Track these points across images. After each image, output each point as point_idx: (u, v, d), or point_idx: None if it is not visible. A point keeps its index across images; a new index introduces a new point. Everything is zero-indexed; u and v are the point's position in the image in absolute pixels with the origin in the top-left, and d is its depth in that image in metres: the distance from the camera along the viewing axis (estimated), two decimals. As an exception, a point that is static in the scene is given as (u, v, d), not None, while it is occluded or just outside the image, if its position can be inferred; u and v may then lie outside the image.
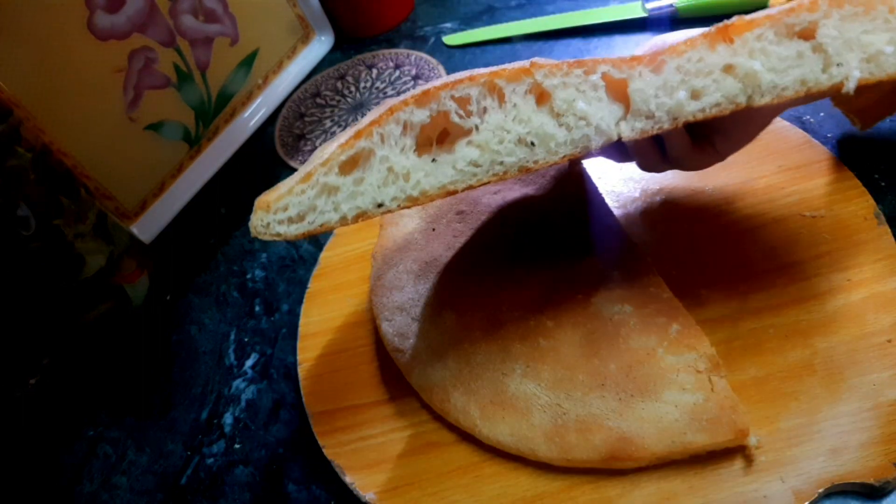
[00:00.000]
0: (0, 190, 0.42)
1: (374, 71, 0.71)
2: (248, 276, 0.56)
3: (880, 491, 0.32)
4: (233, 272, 0.56)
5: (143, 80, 0.58)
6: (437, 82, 0.29)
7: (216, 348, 0.51)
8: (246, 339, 0.51)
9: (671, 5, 0.61)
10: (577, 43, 0.65)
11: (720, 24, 0.29)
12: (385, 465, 0.39)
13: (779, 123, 0.47)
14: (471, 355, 0.38)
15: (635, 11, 0.63)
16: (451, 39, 0.71)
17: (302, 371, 0.45)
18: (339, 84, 0.71)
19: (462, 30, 0.72)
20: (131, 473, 0.45)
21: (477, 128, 0.29)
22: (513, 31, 0.68)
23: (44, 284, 0.47)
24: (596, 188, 0.44)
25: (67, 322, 0.50)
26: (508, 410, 0.36)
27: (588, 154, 0.32)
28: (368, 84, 0.70)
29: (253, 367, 0.49)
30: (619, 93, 0.30)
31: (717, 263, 0.41)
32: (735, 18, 0.29)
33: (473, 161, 0.28)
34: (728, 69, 0.29)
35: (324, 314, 0.48)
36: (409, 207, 0.29)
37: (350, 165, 0.28)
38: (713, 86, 0.29)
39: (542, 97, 0.29)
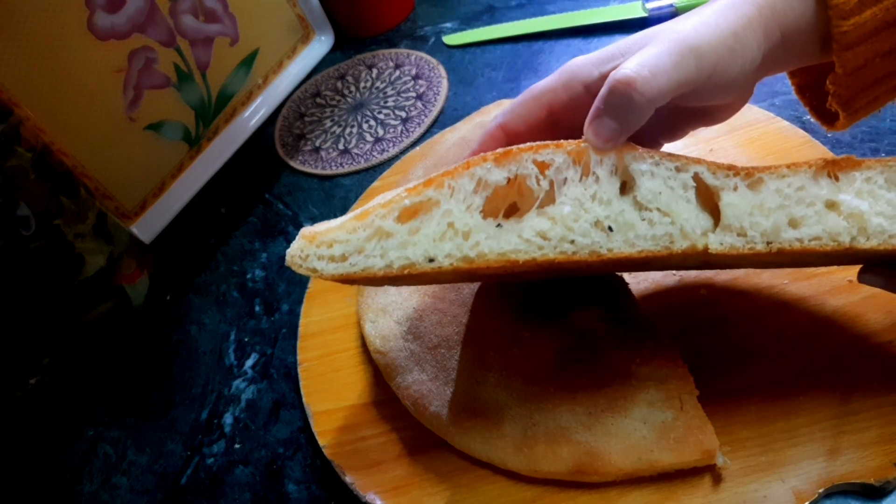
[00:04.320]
0: (0, 190, 0.42)
1: (375, 71, 0.71)
2: (249, 275, 0.56)
3: (880, 491, 0.32)
4: (233, 272, 0.56)
5: (143, 80, 0.58)
6: (522, 145, 0.28)
7: (216, 348, 0.51)
8: (246, 339, 0.51)
9: (671, 5, 0.61)
10: (577, 43, 0.65)
11: (826, 158, 0.28)
12: (385, 464, 0.39)
13: (779, 123, 0.47)
14: (447, 361, 0.39)
15: (635, 11, 0.63)
16: (451, 39, 0.71)
17: (302, 371, 0.45)
18: (339, 84, 0.71)
19: (462, 30, 0.72)
20: (131, 473, 0.45)
21: (553, 199, 0.27)
22: (513, 30, 0.68)
23: (44, 284, 0.47)
24: None
25: (67, 322, 0.50)
26: (480, 419, 0.36)
27: (672, 264, 0.29)
28: (368, 84, 0.70)
29: (253, 366, 0.49)
30: (708, 202, 0.28)
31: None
32: (843, 156, 0.28)
33: (542, 233, 0.26)
34: (831, 205, 0.27)
35: (324, 314, 0.48)
36: (461, 269, 0.27)
37: (410, 214, 0.26)
38: (814, 218, 0.27)
39: (626, 185, 0.28)
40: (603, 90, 0.27)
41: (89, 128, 0.54)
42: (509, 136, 0.34)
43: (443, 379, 0.38)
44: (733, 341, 0.38)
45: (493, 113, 0.54)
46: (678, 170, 0.27)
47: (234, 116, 0.67)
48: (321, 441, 0.41)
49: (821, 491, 0.32)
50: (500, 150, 0.27)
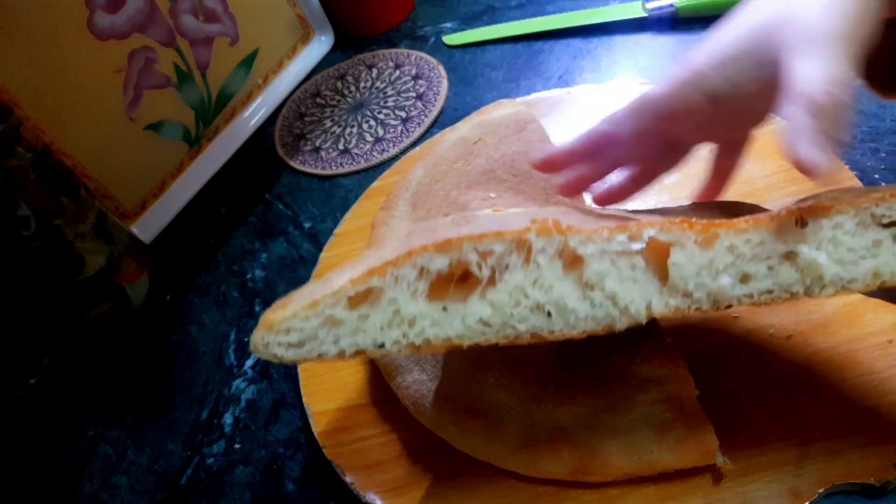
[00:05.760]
0: (0, 190, 0.42)
1: (374, 71, 0.71)
2: (248, 275, 0.56)
3: (880, 491, 0.32)
4: (233, 272, 0.56)
5: (143, 80, 0.58)
6: (463, 229, 0.28)
7: (216, 348, 0.51)
8: (246, 339, 0.51)
9: (671, 5, 0.61)
10: (577, 43, 0.65)
11: (795, 206, 0.26)
12: (385, 464, 0.39)
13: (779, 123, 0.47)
14: (447, 362, 0.38)
15: (635, 11, 0.63)
16: (451, 39, 0.71)
17: (302, 371, 0.45)
18: (339, 84, 0.71)
19: (462, 30, 0.72)
20: (131, 473, 0.45)
21: (494, 284, 0.27)
22: (513, 30, 0.68)
23: (44, 284, 0.47)
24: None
25: (67, 322, 0.50)
26: (480, 419, 0.36)
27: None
28: (368, 84, 0.70)
29: (253, 366, 0.49)
30: (659, 262, 0.27)
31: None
32: (811, 200, 0.26)
33: (484, 320, 0.27)
34: (789, 256, 0.26)
35: (324, 314, 0.48)
36: (413, 353, 0.28)
37: (359, 300, 0.27)
38: (766, 273, 0.26)
39: (573, 261, 0.27)
40: (798, 118, 0.25)
41: (89, 128, 0.54)
42: (616, 145, 0.33)
43: (441, 380, 0.38)
44: (733, 341, 0.38)
45: (495, 113, 0.54)
46: (631, 239, 0.27)
47: (234, 116, 0.67)
48: (321, 441, 0.41)
49: (821, 491, 0.32)
50: (440, 239, 0.27)
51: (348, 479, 0.38)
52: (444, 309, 0.27)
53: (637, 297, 0.27)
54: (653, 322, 0.37)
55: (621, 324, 0.27)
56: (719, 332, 0.39)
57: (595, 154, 0.35)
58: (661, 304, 0.27)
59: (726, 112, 0.31)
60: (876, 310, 0.37)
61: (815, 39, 0.26)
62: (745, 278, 0.26)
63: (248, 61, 0.67)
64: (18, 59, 0.48)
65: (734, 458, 0.33)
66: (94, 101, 0.54)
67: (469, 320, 0.27)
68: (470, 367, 0.38)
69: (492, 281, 0.27)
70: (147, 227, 0.59)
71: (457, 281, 0.27)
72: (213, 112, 0.65)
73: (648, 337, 0.36)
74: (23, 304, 0.47)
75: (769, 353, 0.37)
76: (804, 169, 0.26)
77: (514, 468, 0.35)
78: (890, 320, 0.36)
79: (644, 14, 0.62)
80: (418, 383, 0.39)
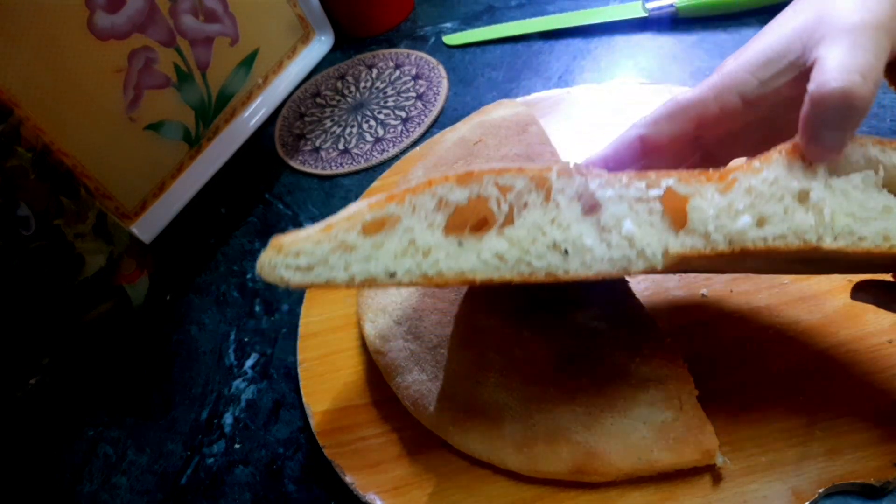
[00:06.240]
0: (0, 190, 0.42)
1: (375, 71, 0.71)
2: (248, 275, 0.56)
3: (880, 491, 0.32)
4: (233, 272, 0.56)
5: (143, 80, 0.58)
6: (484, 166, 0.28)
7: (216, 348, 0.51)
8: (246, 339, 0.51)
9: (671, 5, 0.61)
10: (577, 43, 0.65)
11: (796, 142, 0.27)
12: (385, 464, 0.39)
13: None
14: (447, 362, 0.38)
15: (635, 11, 0.63)
16: (451, 39, 0.71)
17: (302, 371, 0.45)
18: (339, 84, 0.71)
19: (462, 30, 0.72)
20: (131, 473, 0.45)
21: (513, 220, 0.27)
22: (513, 30, 0.68)
23: (44, 284, 0.47)
24: None
25: (67, 322, 0.50)
26: (480, 419, 0.36)
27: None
28: (368, 84, 0.70)
29: (253, 366, 0.49)
30: (676, 210, 0.28)
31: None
32: None
33: (499, 254, 0.27)
34: (803, 197, 0.26)
35: (324, 314, 0.48)
36: (423, 285, 0.27)
37: (374, 228, 0.27)
38: (781, 215, 0.26)
39: (592, 208, 0.28)
40: (813, 108, 0.25)
41: (89, 128, 0.54)
42: (648, 149, 0.33)
43: (441, 380, 0.38)
44: (733, 341, 0.38)
45: (495, 113, 0.54)
46: (649, 186, 0.27)
47: (234, 116, 0.67)
48: (321, 441, 0.41)
49: (821, 491, 0.32)
50: (462, 170, 0.27)
51: (348, 479, 0.39)
52: (460, 244, 0.27)
53: (654, 241, 0.27)
54: (652, 322, 0.37)
55: (637, 267, 0.27)
56: (719, 332, 0.39)
57: (630, 162, 0.34)
58: (678, 244, 0.27)
59: (761, 119, 0.31)
60: (876, 310, 0.37)
61: (845, 30, 0.26)
62: (761, 221, 0.27)
63: (248, 61, 0.67)
64: (18, 59, 0.48)
65: (734, 458, 0.34)
66: (94, 101, 0.54)
67: (485, 254, 0.27)
68: (470, 367, 0.38)
69: (509, 219, 0.27)
70: (147, 227, 0.59)
71: (472, 227, 0.28)
72: (213, 112, 0.65)
73: (648, 337, 0.36)
74: (23, 304, 0.47)
75: (769, 353, 0.37)
76: (813, 158, 0.26)
77: (515, 468, 0.35)
78: (890, 320, 0.36)
79: (644, 14, 0.62)
80: (418, 383, 0.39)
